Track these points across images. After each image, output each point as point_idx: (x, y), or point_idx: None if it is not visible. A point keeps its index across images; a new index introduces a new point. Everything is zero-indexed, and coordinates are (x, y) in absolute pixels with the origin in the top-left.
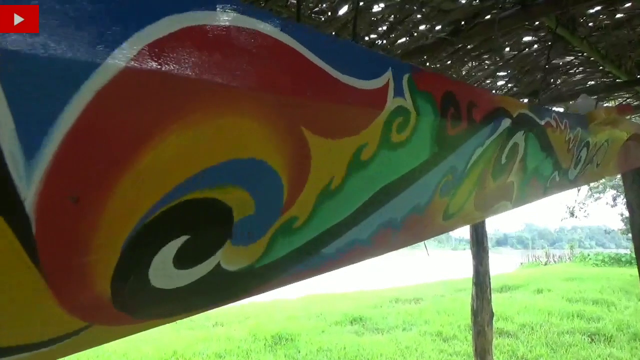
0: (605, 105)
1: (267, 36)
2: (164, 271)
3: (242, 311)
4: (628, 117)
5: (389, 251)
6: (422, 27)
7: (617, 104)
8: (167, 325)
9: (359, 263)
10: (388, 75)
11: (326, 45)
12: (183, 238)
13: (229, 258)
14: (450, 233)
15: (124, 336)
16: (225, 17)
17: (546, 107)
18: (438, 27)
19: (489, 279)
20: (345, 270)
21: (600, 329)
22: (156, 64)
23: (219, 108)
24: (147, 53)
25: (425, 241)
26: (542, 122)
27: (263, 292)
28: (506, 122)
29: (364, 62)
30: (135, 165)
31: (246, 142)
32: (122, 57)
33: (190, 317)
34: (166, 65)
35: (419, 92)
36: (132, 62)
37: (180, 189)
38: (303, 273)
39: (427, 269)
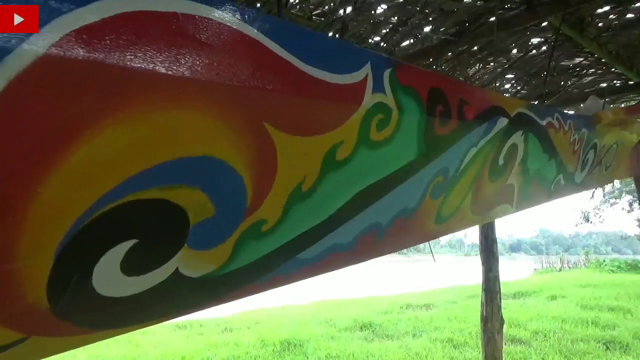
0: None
1: (220, 24)
2: (110, 278)
3: (251, 316)
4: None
5: (374, 257)
6: (426, 29)
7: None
8: (178, 330)
9: (341, 270)
10: (366, 69)
11: (292, 37)
12: (130, 242)
13: (189, 264)
14: (464, 239)
15: (73, 348)
16: (170, 2)
17: (548, 106)
18: (442, 29)
19: (499, 285)
20: (357, 275)
21: (615, 336)
22: (84, 51)
23: (162, 101)
24: (74, 39)
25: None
26: (544, 122)
27: (236, 298)
28: (502, 122)
29: (339, 55)
30: (63, 163)
31: (197, 138)
32: (40, 43)
33: (200, 322)
34: (97, 53)
35: (402, 87)
36: (53, 49)
37: (122, 189)
38: (278, 279)
39: (439, 275)
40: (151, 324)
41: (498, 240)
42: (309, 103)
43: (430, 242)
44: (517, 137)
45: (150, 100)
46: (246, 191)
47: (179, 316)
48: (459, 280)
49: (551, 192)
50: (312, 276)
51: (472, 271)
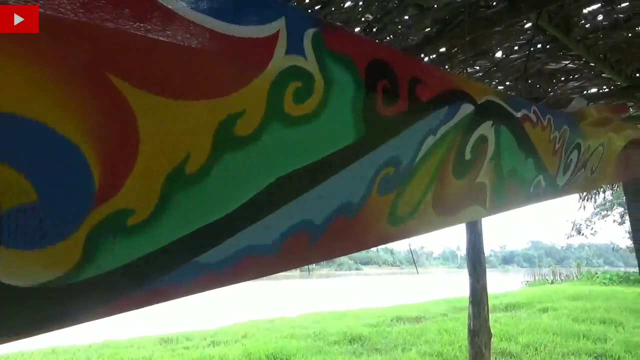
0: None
1: None
2: None
3: (239, 329)
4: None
5: (308, 263)
6: (405, 28)
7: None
8: (164, 343)
9: (264, 278)
10: (278, 25)
11: None
12: None
13: (10, 268)
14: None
15: None
16: None
17: (523, 98)
18: (421, 26)
19: (487, 297)
20: (349, 287)
21: (607, 350)
22: None
23: None
24: None
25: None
26: (518, 115)
27: (108, 314)
28: (467, 108)
29: (240, 2)
30: None
31: None
32: None
33: (187, 335)
34: None
35: (330, 53)
36: None
37: None
38: (173, 289)
39: (431, 287)
40: None
41: (491, 252)
42: (186, 55)
43: (412, 252)
44: (486, 129)
45: None
46: (89, 168)
47: (10, 341)
48: (451, 292)
49: (530, 194)
50: (224, 285)
51: (465, 283)
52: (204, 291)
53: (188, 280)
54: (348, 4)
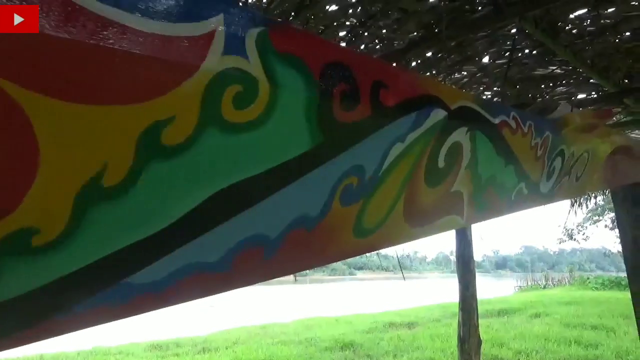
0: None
1: None
2: None
3: (231, 335)
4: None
5: (263, 279)
6: (390, 32)
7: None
8: (153, 350)
9: (214, 296)
10: (215, 22)
11: None
12: None
13: None
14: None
15: None
16: None
17: (502, 104)
18: (405, 31)
19: (476, 304)
20: (344, 292)
21: (598, 355)
22: None
23: None
24: None
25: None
26: (496, 121)
27: (21, 344)
28: (439, 114)
29: None
30: None
31: None
32: None
33: (177, 342)
34: None
35: (278, 55)
36: None
37: None
38: (102, 312)
39: (425, 292)
40: None
41: (484, 257)
42: (95, 53)
43: (399, 260)
44: (461, 135)
45: None
46: None
47: None
48: (445, 298)
49: (512, 202)
50: (169, 304)
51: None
52: (146, 312)
53: (121, 302)
54: (332, 8)
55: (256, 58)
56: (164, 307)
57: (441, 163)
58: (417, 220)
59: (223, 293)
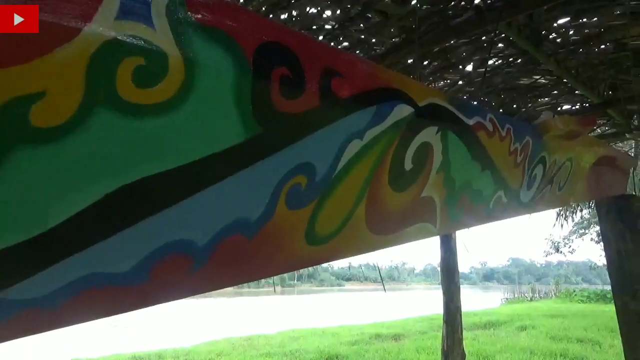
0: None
1: None
2: None
3: (214, 347)
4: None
5: (195, 292)
6: (370, 36)
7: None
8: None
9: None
10: None
11: None
12: None
13: None
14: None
15: None
16: None
17: (478, 104)
18: (386, 34)
19: (461, 317)
20: (331, 304)
21: None
22: None
23: None
24: None
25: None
26: (470, 122)
27: None
28: (403, 110)
29: None
30: None
31: None
32: None
33: (159, 354)
34: None
35: (198, 26)
36: None
37: None
38: None
39: (413, 304)
40: None
41: (471, 268)
42: None
43: (379, 270)
44: (430, 136)
45: None
46: None
47: None
48: (432, 309)
49: (490, 210)
50: (66, 324)
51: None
52: (34, 333)
53: None
54: (312, 11)
55: (165, 28)
56: (61, 326)
57: (408, 165)
58: (382, 228)
59: (141, 309)
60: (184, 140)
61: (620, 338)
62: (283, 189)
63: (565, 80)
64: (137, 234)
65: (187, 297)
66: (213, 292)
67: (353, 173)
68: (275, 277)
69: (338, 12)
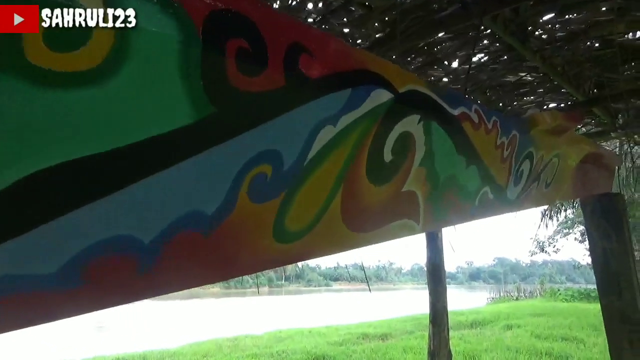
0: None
1: None
2: None
3: (200, 348)
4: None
5: (139, 298)
6: (353, 29)
7: (578, 129)
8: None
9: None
10: None
11: None
12: None
13: None
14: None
15: None
16: None
17: (463, 94)
18: (370, 27)
19: (447, 316)
20: (319, 304)
21: None
22: None
23: None
24: None
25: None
26: (455, 112)
27: None
28: (381, 96)
29: None
30: None
31: None
32: None
33: (144, 355)
34: None
35: None
36: None
37: None
38: None
39: (400, 303)
40: None
41: (458, 268)
42: None
43: (364, 270)
44: (412, 125)
45: None
46: None
47: None
48: (419, 309)
49: (475, 207)
50: None
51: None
52: None
53: None
54: (293, 3)
55: None
56: None
57: (387, 156)
58: (360, 224)
59: (73, 317)
60: (116, 119)
61: (603, 336)
62: (245, 179)
63: (551, 77)
64: (61, 229)
65: (133, 301)
66: (201, 292)
67: (327, 163)
68: (262, 278)
69: (320, 4)
